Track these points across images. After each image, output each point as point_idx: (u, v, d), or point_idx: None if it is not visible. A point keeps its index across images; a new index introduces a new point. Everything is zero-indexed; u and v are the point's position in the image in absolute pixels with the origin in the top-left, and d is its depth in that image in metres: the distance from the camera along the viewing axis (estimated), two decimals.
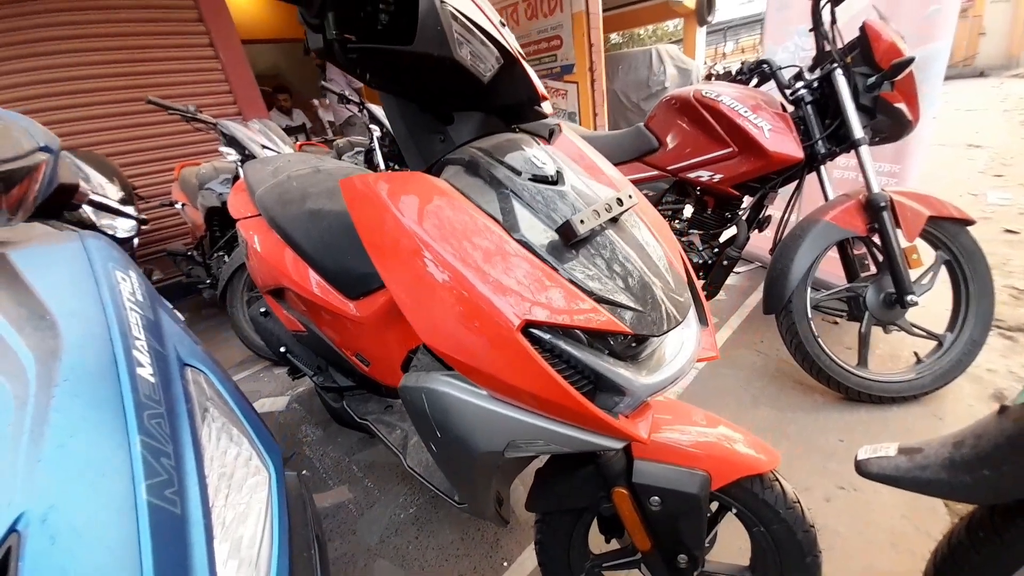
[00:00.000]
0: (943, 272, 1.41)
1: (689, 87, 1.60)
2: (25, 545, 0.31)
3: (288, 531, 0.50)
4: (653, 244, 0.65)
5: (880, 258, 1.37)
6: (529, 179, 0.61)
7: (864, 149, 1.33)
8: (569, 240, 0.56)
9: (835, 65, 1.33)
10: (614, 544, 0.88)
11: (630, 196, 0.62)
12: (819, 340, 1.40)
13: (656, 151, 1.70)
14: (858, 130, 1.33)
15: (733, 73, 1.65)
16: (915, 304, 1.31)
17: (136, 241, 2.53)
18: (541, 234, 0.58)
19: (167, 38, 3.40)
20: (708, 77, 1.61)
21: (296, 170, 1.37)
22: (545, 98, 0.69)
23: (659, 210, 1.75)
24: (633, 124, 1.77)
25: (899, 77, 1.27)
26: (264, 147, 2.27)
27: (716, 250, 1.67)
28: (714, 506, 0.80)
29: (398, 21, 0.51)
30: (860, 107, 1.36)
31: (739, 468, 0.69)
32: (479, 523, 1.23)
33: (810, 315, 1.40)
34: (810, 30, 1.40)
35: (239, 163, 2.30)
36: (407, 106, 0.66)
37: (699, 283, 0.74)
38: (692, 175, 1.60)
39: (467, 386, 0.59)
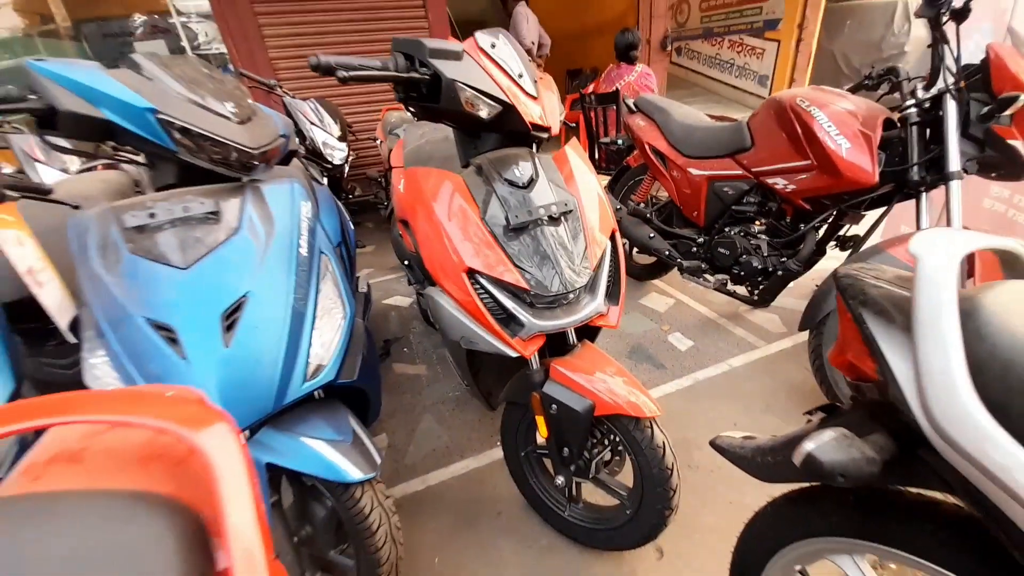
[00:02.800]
0: None
1: (791, 91, 1.57)
2: (248, 302, 0.87)
3: (348, 338, 1.02)
4: (577, 240, 0.95)
5: None
6: (508, 183, 0.96)
7: (955, 184, 1.21)
8: (509, 227, 0.91)
9: (946, 87, 1.21)
10: None
11: (566, 202, 0.93)
12: None
13: (747, 151, 1.73)
14: (954, 162, 1.21)
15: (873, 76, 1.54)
16: None
17: (347, 167, 3.49)
18: (500, 220, 0.94)
19: (392, 11, 4.30)
20: None
21: (433, 137, 1.87)
22: (545, 127, 0.99)
23: (737, 209, 1.80)
24: None
25: (1008, 112, 1.11)
26: None
27: (783, 259, 1.68)
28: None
29: (434, 90, 0.90)
30: (970, 137, 1.22)
31: (618, 407, 0.97)
32: (494, 415, 1.70)
33: None
34: (928, 46, 1.25)
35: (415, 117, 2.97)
36: (455, 128, 1.06)
37: (623, 271, 1.01)
38: (770, 181, 1.62)
39: (445, 297, 1.01)
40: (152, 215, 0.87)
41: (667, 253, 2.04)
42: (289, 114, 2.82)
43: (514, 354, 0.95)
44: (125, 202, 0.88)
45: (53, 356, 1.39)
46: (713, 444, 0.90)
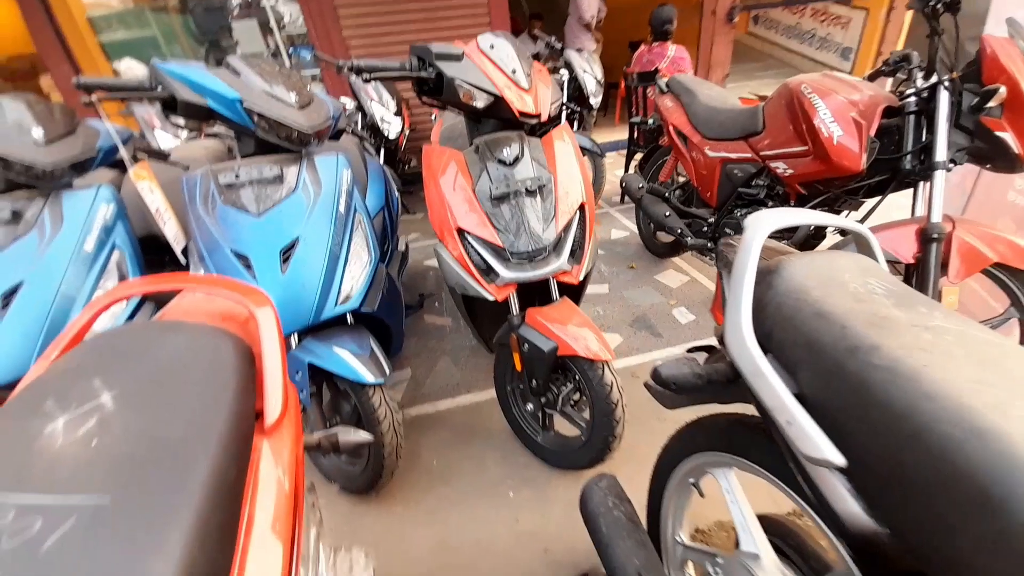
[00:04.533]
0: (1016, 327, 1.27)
1: (800, 77, 1.61)
2: (299, 243, 1.18)
3: (372, 278, 1.32)
4: (548, 209, 1.16)
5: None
6: (497, 161, 1.19)
7: (939, 174, 1.25)
8: (491, 196, 1.14)
9: (939, 79, 1.23)
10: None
11: (540, 178, 1.14)
12: None
13: (759, 134, 1.79)
14: (941, 153, 1.24)
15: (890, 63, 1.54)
16: None
17: (404, 140, 3.82)
18: (486, 190, 1.17)
19: None
20: None
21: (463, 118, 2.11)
22: (529, 115, 1.20)
23: (745, 191, 1.88)
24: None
25: (992, 103, 1.12)
26: None
27: (782, 241, 1.75)
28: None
29: (440, 85, 1.13)
30: (963, 128, 1.24)
31: (576, 350, 1.19)
32: None
33: None
34: (927, 35, 1.26)
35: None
36: (463, 115, 1.29)
37: (589, 238, 1.21)
38: (773, 164, 1.69)
39: (446, 251, 1.27)
40: (237, 176, 1.20)
41: (679, 231, 2.15)
42: (354, 92, 3.17)
43: (491, 297, 1.20)
44: (220, 166, 1.22)
45: None
46: (646, 384, 1.10)
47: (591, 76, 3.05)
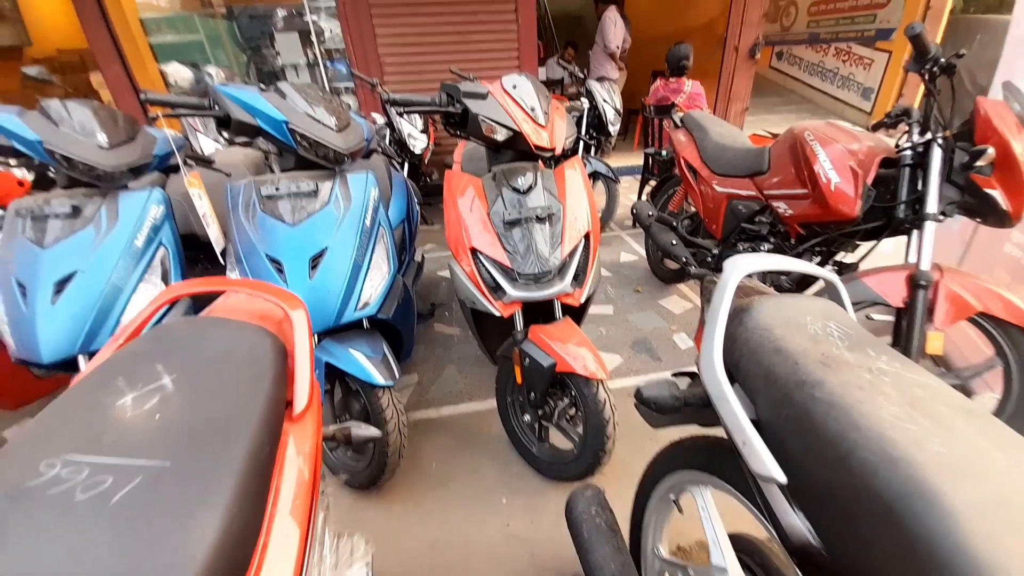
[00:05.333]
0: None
1: (805, 123, 1.69)
2: (327, 253, 1.30)
3: (389, 288, 1.42)
4: (555, 236, 1.26)
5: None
6: (512, 188, 1.29)
7: (929, 225, 1.32)
8: (504, 220, 1.24)
9: (933, 136, 1.31)
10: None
11: (550, 206, 1.24)
12: None
13: (763, 174, 1.88)
14: (932, 206, 1.31)
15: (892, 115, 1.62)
16: None
17: (428, 155, 3.97)
18: (500, 215, 1.27)
19: (487, 15, 4.66)
20: None
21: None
22: (544, 148, 1.30)
23: (748, 227, 1.96)
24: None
25: (981, 163, 1.19)
26: None
27: (781, 276, 1.82)
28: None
29: (465, 119, 1.25)
30: (954, 183, 1.31)
31: (574, 367, 1.27)
32: None
33: None
34: (924, 95, 1.34)
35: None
36: (483, 145, 1.41)
37: (592, 263, 1.30)
38: (775, 204, 1.77)
39: (459, 268, 1.37)
40: (277, 188, 1.32)
41: (684, 260, 2.22)
42: (385, 109, 3.35)
43: (497, 313, 1.29)
44: (262, 178, 1.35)
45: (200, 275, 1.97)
46: (635, 404, 1.17)
47: (611, 106, 3.18)
